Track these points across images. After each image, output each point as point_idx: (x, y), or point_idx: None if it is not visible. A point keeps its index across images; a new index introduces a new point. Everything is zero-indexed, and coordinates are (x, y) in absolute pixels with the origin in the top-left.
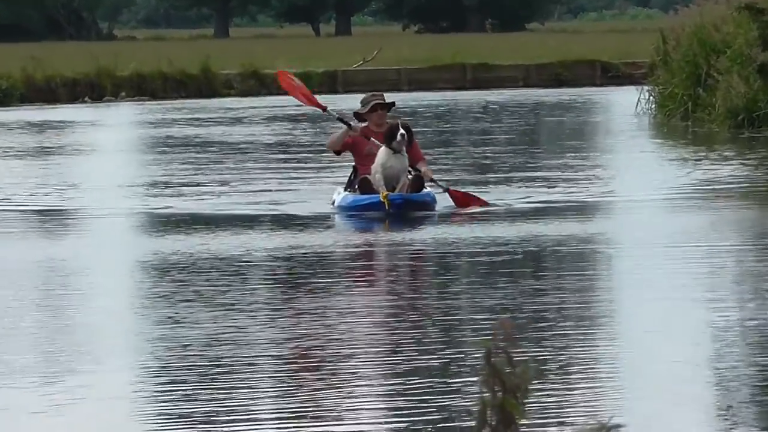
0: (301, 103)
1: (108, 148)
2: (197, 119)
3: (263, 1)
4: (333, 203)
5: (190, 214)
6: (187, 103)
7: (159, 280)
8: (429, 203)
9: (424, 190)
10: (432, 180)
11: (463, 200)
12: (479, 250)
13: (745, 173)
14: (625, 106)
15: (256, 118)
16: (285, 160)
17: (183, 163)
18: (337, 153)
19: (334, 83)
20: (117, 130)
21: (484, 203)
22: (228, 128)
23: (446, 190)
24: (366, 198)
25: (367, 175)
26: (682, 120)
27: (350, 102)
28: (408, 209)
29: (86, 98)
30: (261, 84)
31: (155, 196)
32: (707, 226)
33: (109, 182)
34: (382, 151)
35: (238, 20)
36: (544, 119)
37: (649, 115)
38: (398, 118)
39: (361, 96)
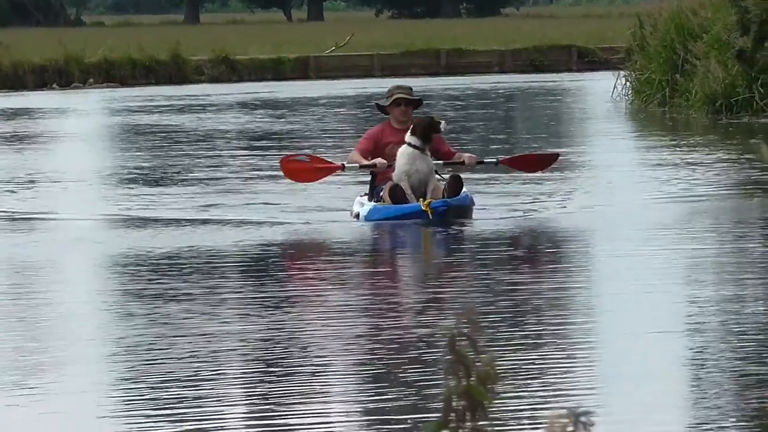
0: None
1: (75, 136)
2: (166, 106)
3: None
4: (358, 216)
5: (153, 210)
6: (157, 90)
7: (132, 278)
8: (468, 207)
9: (462, 191)
10: (481, 162)
11: (521, 164)
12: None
13: (724, 163)
14: (601, 91)
15: (227, 105)
16: (256, 147)
17: (150, 153)
18: None
19: (306, 69)
20: (84, 117)
21: (551, 157)
22: (198, 115)
23: (497, 162)
24: (404, 207)
25: (400, 182)
26: (660, 106)
27: (323, 89)
28: (451, 215)
29: (54, 85)
30: (232, 70)
31: (123, 189)
32: (686, 218)
33: (75, 175)
34: (404, 155)
35: (208, 5)
36: (518, 106)
37: (625, 101)
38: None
39: (334, 82)
